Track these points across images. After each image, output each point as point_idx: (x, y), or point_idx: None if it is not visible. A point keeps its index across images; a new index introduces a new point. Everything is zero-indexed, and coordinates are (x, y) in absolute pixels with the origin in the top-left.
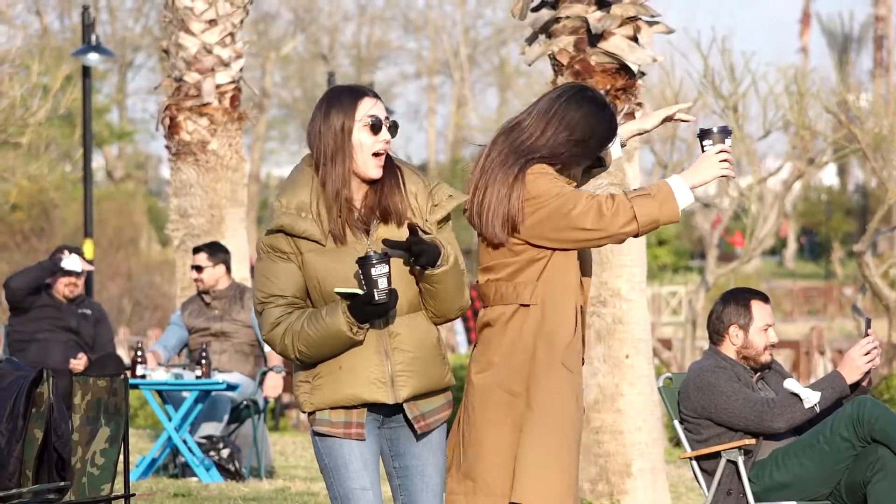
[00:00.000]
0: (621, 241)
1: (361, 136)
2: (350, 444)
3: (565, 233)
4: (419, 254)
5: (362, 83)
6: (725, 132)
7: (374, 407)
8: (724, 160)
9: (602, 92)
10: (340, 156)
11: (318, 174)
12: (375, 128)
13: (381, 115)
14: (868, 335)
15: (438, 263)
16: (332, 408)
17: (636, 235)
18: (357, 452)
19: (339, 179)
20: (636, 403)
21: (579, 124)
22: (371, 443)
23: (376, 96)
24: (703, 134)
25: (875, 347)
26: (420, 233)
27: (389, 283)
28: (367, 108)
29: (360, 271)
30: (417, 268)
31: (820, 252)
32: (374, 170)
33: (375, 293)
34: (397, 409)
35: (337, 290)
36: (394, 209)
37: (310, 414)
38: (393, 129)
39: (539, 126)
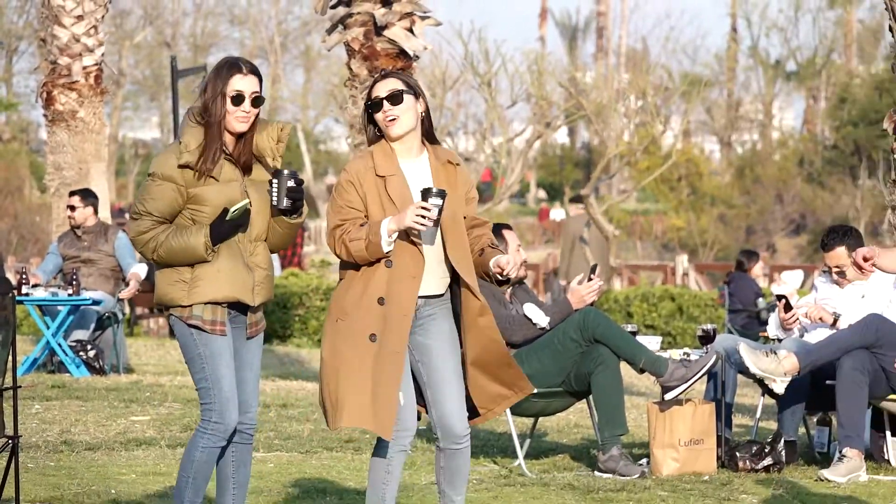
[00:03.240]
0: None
1: (228, 105)
2: (218, 338)
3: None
4: (296, 200)
5: (198, 65)
6: (430, 194)
7: (230, 309)
8: (420, 215)
9: (383, 72)
10: (215, 115)
11: (201, 124)
12: (237, 100)
13: (248, 89)
14: (592, 279)
15: (297, 216)
16: (207, 303)
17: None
18: (225, 345)
19: (216, 131)
20: None
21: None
22: (229, 338)
23: (252, 72)
24: (425, 192)
25: (598, 289)
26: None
27: (280, 200)
28: (235, 84)
29: (276, 182)
30: (278, 210)
31: (554, 195)
32: (238, 125)
33: (281, 201)
34: (241, 312)
35: (232, 209)
36: (245, 157)
37: (178, 308)
38: (256, 101)
39: None
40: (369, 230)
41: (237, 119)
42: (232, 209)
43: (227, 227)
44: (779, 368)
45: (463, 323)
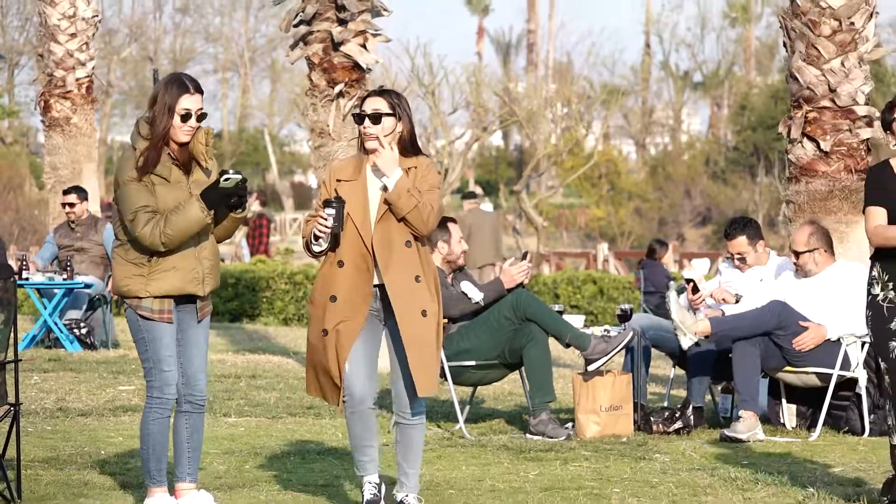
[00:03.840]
0: None
1: (176, 121)
2: (163, 325)
3: None
4: (242, 197)
5: None
6: (328, 205)
7: (179, 298)
8: (318, 223)
9: (342, 82)
10: (163, 126)
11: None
12: (185, 118)
13: (194, 107)
14: (524, 261)
15: (241, 210)
16: (157, 297)
17: None
18: (168, 331)
19: (161, 139)
20: None
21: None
22: (173, 325)
23: (198, 90)
24: (327, 203)
25: (528, 270)
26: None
27: (341, 225)
28: (183, 103)
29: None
30: (225, 206)
31: (490, 191)
32: (184, 138)
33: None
34: (191, 300)
35: (223, 178)
36: (186, 161)
37: (133, 298)
38: (200, 117)
39: None
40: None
41: (184, 133)
42: (223, 178)
43: (216, 195)
44: (693, 326)
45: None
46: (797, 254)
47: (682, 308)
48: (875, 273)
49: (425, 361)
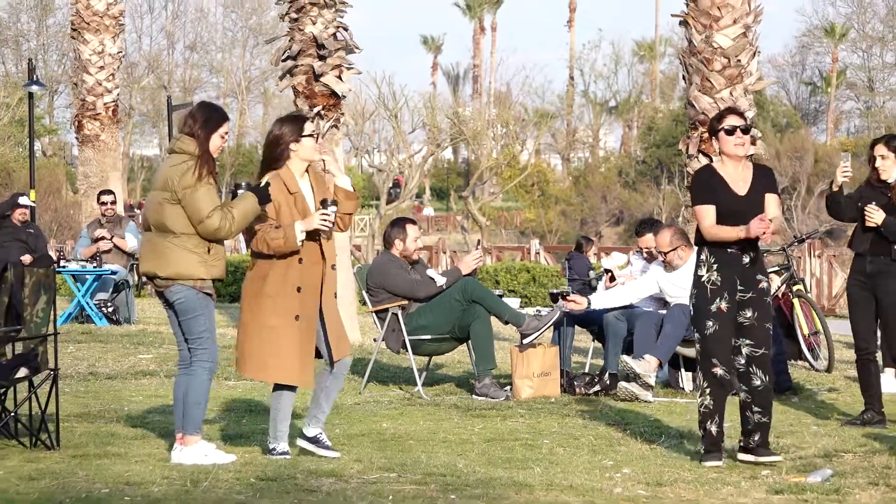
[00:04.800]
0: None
1: (219, 141)
2: (212, 302)
3: None
4: (268, 195)
5: (186, 102)
6: (327, 203)
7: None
8: (324, 219)
9: (320, 107)
10: (210, 144)
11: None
12: (223, 137)
13: (227, 130)
14: (477, 249)
15: (268, 203)
16: (213, 279)
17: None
18: (213, 307)
19: (208, 154)
20: (341, 280)
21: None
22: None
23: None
24: (323, 202)
25: (480, 257)
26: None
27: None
28: (223, 128)
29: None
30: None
31: (442, 196)
32: (217, 152)
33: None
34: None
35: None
36: (214, 170)
37: (193, 280)
38: (226, 136)
39: None
40: (285, 231)
41: (219, 149)
42: (262, 182)
43: (262, 192)
44: (649, 369)
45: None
46: (664, 253)
47: (638, 362)
48: (703, 257)
49: (342, 332)
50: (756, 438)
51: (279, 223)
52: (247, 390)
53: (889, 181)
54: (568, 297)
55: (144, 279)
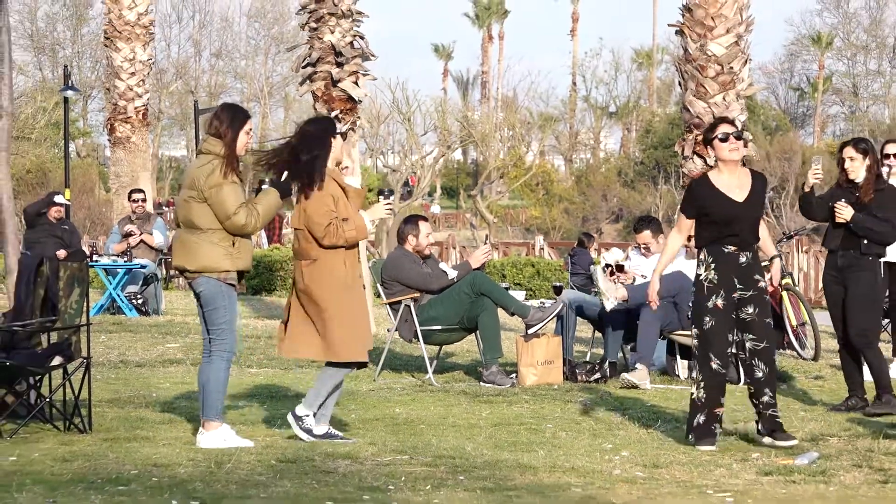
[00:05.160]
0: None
1: (241, 139)
2: (235, 294)
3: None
4: (290, 190)
5: (213, 107)
6: (384, 193)
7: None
8: (389, 208)
9: (337, 111)
10: (236, 143)
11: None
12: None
13: (250, 128)
14: (486, 244)
15: (290, 196)
16: (238, 271)
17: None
18: (235, 298)
19: (235, 153)
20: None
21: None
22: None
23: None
24: (381, 192)
25: (489, 251)
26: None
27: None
28: (247, 126)
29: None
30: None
31: (452, 195)
32: (243, 151)
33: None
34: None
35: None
36: (235, 171)
37: (219, 272)
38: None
39: None
40: (355, 222)
41: (246, 145)
42: (283, 177)
43: (283, 186)
44: (614, 293)
45: None
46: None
47: (606, 279)
48: (702, 256)
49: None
50: (769, 424)
51: (341, 217)
52: (268, 378)
53: (857, 181)
54: (619, 267)
55: (173, 272)
